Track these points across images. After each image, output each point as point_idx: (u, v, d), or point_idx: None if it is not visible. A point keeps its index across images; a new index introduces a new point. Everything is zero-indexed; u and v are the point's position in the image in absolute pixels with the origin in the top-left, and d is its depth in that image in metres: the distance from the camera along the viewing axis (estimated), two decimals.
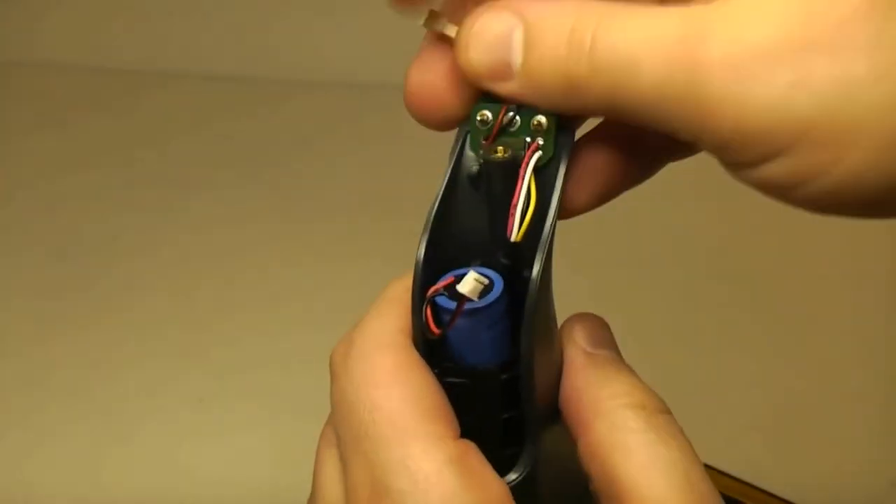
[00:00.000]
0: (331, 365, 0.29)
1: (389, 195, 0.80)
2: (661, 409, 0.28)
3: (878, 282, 0.73)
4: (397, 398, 0.26)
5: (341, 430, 0.27)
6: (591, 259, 0.74)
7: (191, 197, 0.82)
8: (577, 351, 0.29)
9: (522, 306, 0.27)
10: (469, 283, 0.26)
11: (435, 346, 0.28)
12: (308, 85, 0.92)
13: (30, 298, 0.73)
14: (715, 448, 0.59)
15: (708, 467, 0.61)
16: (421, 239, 0.27)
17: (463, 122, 0.29)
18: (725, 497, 0.59)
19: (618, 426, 0.27)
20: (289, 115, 0.91)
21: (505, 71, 0.26)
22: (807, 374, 0.66)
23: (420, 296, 0.27)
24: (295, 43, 0.95)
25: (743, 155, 0.24)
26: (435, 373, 0.28)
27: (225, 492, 0.60)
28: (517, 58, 0.26)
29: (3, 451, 0.63)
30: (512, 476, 0.28)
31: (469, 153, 0.29)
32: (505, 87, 0.27)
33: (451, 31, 0.28)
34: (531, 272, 0.27)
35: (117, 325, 0.71)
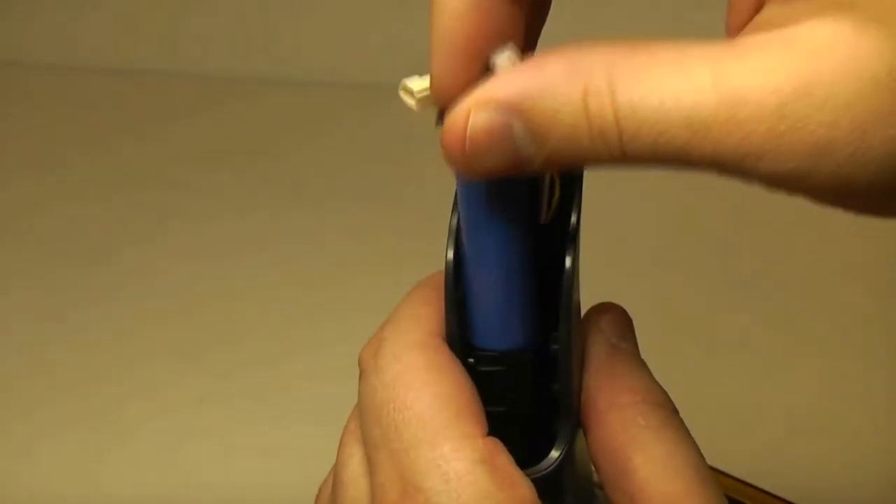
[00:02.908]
0: (360, 363, 0.29)
1: (391, 194, 0.80)
2: (675, 411, 0.29)
3: (879, 281, 0.73)
4: (429, 398, 0.27)
5: (370, 429, 0.28)
6: (590, 256, 0.74)
7: (191, 196, 0.82)
8: (602, 340, 0.30)
9: (551, 290, 0.28)
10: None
11: (468, 335, 0.29)
12: (307, 85, 0.92)
13: (28, 298, 0.73)
14: (715, 448, 0.60)
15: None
16: (448, 241, 0.28)
17: None
18: (726, 497, 0.58)
19: (634, 421, 0.28)
20: (288, 114, 0.91)
21: (522, 164, 0.23)
22: (807, 374, 0.66)
23: (452, 295, 0.28)
24: (294, 43, 0.95)
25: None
26: (469, 363, 0.28)
27: (225, 492, 0.60)
28: (531, 151, 0.23)
29: (1, 451, 0.63)
30: (555, 454, 0.28)
31: None
32: (530, 170, 0.24)
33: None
34: (563, 259, 0.28)
35: (116, 324, 0.71)
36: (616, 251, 0.75)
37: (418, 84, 0.27)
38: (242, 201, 0.82)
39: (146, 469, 0.62)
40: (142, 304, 0.73)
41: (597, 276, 0.72)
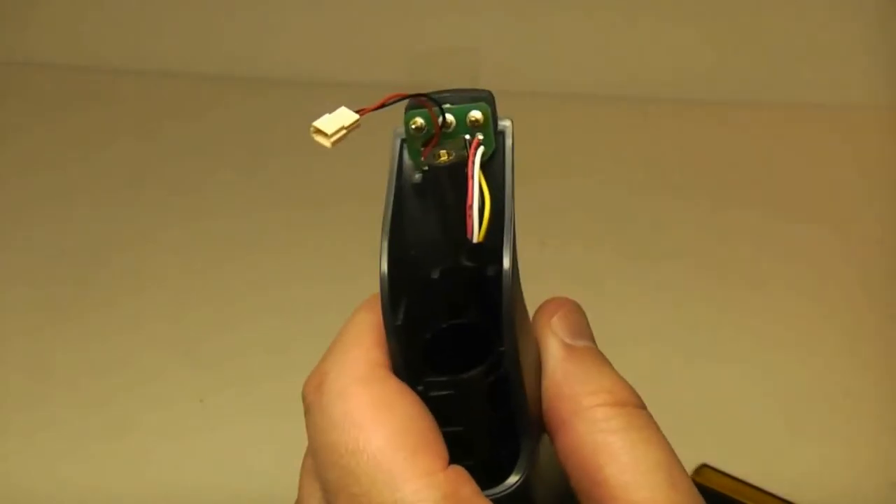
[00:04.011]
0: (304, 400, 0.28)
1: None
2: (639, 405, 0.28)
3: (877, 282, 0.73)
4: (381, 437, 0.25)
5: (325, 472, 0.26)
6: (588, 246, 0.74)
7: (191, 196, 0.82)
8: (556, 342, 0.28)
9: (495, 305, 0.26)
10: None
11: (416, 360, 0.27)
12: (308, 85, 0.92)
13: (29, 298, 0.73)
14: (715, 448, 0.60)
15: (708, 467, 0.62)
16: (380, 260, 0.27)
17: (396, 132, 0.28)
18: (726, 497, 0.59)
19: (599, 426, 0.27)
20: (288, 115, 0.91)
21: None
22: (806, 374, 0.66)
23: (390, 320, 0.26)
24: (295, 43, 0.95)
25: None
26: (419, 390, 0.27)
27: (225, 492, 0.60)
28: None
29: (2, 451, 0.63)
30: (512, 479, 0.27)
31: (408, 162, 0.28)
32: None
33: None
34: (500, 267, 0.26)
35: (117, 325, 0.71)
36: (620, 247, 0.75)
37: (330, 126, 0.27)
38: (243, 200, 0.82)
39: (146, 468, 0.62)
40: (142, 304, 0.73)
41: (605, 273, 0.72)
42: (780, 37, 0.88)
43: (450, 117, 0.28)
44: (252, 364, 0.68)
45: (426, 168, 0.28)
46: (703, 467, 0.57)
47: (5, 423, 0.64)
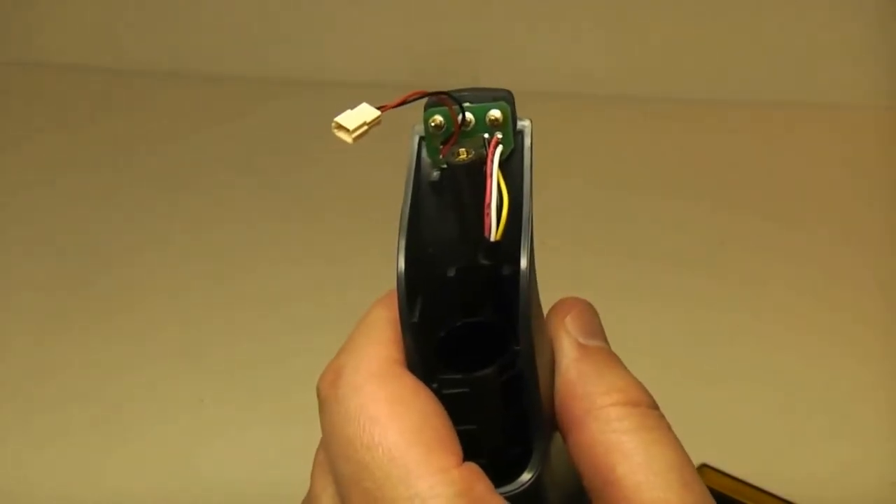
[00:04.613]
0: (319, 394, 0.28)
1: (389, 195, 0.80)
2: (652, 405, 0.28)
3: (877, 281, 0.73)
4: (396, 433, 0.26)
5: (339, 466, 0.27)
6: (588, 246, 0.74)
7: (191, 197, 0.82)
8: (570, 342, 0.29)
9: (510, 303, 0.26)
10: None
11: (431, 357, 0.27)
12: (308, 85, 0.92)
13: (30, 298, 0.73)
14: (715, 448, 0.60)
15: (708, 467, 0.62)
16: (397, 257, 0.27)
17: (414, 130, 0.28)
18: (726, 497, 0.59)
19: (612, 426, 0.27)
20: (289, 115, 0.91)
21: None
22: (806, 374, 0.66)
23: (407, 317, 0.27)
24: (295, 43, 0.95)
25: None
26: (433, 388, 0.27)
27: (225, 492, 0.60)
28: None
29: (3, 450, 0.63)
30: (525, 477, 0.27)
31: (427, 160, 0.28)
32: None
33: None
34: (517, 267, 0.26)
35: (117, 325, 0.71)
36: (619, 247, 0.75)
37: (351, 121, 0.27)
38: (244, 203, 0.82)
39: (146, 468, 0.62)
40: (143, 304, 0.73)
41: (605, 274, 0.72)
42: (780, 37, 0.88)
43: (469, 116, 0.28)
44: (251, 363, 0.68)
45: (444, 166, 0.28)
46: (703, 467, 0.57)
47: (7, 425, 0.65)
